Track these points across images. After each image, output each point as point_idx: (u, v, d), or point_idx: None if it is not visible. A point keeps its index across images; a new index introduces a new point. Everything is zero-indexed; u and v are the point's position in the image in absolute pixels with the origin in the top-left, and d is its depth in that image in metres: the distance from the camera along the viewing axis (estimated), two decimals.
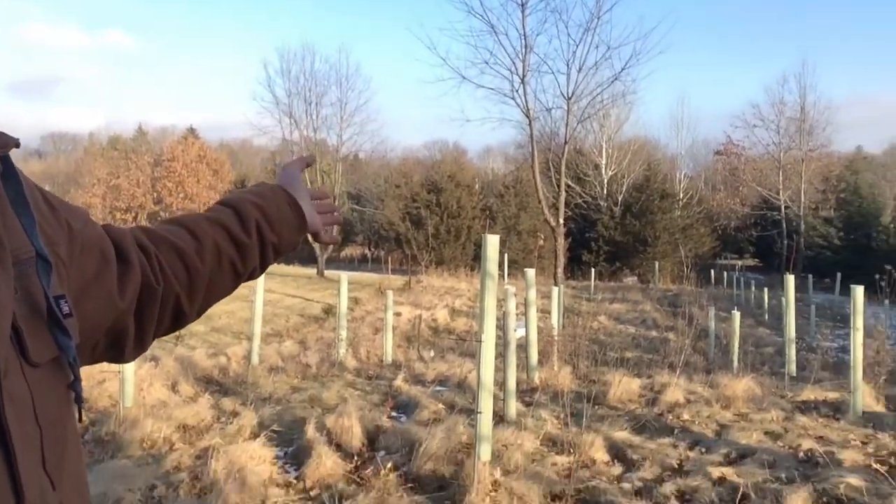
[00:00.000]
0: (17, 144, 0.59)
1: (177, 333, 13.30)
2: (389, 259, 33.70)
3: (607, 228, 39.42)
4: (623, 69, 20.54)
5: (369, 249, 48.14)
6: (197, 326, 16.05)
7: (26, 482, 0.52)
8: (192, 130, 63.76)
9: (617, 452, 5.43)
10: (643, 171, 42.06)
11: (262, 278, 9.21)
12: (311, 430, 5.60)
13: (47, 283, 0.63)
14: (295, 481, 4.85)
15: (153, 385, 7.24)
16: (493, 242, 4.63)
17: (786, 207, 43.96)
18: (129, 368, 6.56)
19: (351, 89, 42.26)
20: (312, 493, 4.60)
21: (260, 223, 0.98)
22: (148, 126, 71.12)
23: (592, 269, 31.85)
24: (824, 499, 4.41)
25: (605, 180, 42.52)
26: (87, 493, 0.67)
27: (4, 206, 0.60)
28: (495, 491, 4.37)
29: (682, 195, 45.01)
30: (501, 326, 7.13)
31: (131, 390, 6.51)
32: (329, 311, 16.15)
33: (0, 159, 0.57)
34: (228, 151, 70.35)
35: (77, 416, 0.70)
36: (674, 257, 36.37)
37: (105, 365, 7.68)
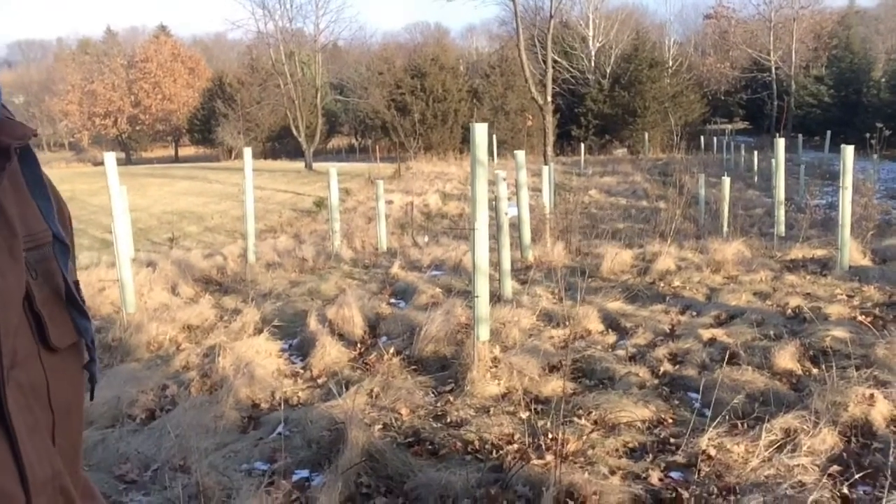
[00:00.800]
0: (35, 134, 0.57)
1: (171, 235, 13.38)
2: (377, 148, 33.32)
3: (596, 102, 38.78)
4: None
5: (356, 139, 47.51)
6: (190, 227, 16.09)
7: (31, 467, 0.54)
8: (163, 28, 61.36)
9: (611, 322, 5.60)
10: (631, 41, 40.88)
11: (250, 175, 9.14)
12: (313, 322, 5.74)
13: (65, 267, 0.63)
14: (302, 371, 5.01)
15: (153, 289, 7.33)
16: (480, 131, 4.57)
17: (776, 68, 43.16)
18: (128, 274, 6.62)
19: None
20: (320, 381, 4.77)
21: None
22: (117, 27, 68.47)
23: (582, 144, 31.64)
24: (811, 352, 4.59)
25: (593, 53, 41.40)
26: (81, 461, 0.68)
27: (22, 192, 0.60)
28: (495, 367, 4.53)
29: (671, 63, 43.99)
30: (494, 209, 7.16)
31: (132, 296, 6.59)
32: (320, 203, 16.13)
33: (11, 151, 0.55)
34: (202, 48, 68.05)
35: (90, 395, 0.72)
36: (664, 126, 36.02)
37: (103, 273, 7.75)
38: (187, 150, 56.13)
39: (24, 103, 63.22)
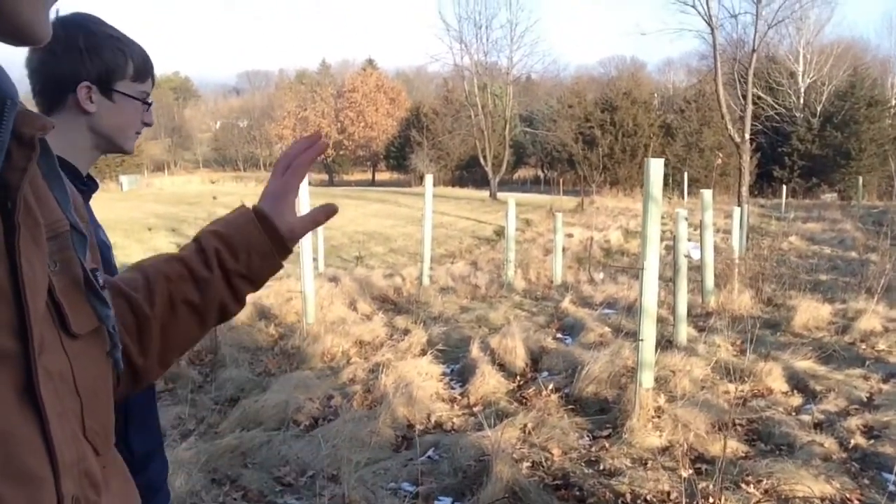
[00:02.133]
0: (52, 126, 0.59)
1: (358, 254, 14.17)
2: (562, 180, 33.18)
3: (803, 141, 35.94)
4: None
5: (542, 171, 47.68)
6: (376, 248, 16.92)
7: (60, 450, 0.55)
8: (370, 62, 65.75)
9: (797, 383, 5.07)
10: (847, 77, 37.49)
11: (430, 201, 9.44)
12: (475, 350, 5.75)
13: (83, 255, 0.64)
14: (459, 397, 5.03)
15: (333, 303, 7.74)
16: (656, 166, 4.38)
17: None
18: (311, 287, 7.06)
19: (521, 9, 41.68)
20: (475, 409, 4.74)
21: (221, 253, 0.87)
22: (331, 60, 74.45)
23: (784, 186, 29.38)
24: None
25: (802, 89, 38.48)
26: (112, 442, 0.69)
27: (39, 183, 0.62)
28: (658, 417, 4.25)
29: (894, 102, 39.81)
30: (673, 249, 6.80)
31: (313, 308, 7.01)
32: (500, 232, 16.30)
33: (35, 141, 0.57)
34: (404, 80, 71.92)
35: (116, 380, 0.73)
36: (882, 171, 32.54)
37: (291, 284, 8.30)
38: (383, 175, 59.39)
39: (248, 126, 70.34)
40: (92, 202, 1.38)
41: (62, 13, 1.29)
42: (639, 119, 35.74)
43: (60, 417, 0.56)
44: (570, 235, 14.85)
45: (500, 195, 32.59)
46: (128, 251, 14.82)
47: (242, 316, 7.16)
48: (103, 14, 1.38)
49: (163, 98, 76.48)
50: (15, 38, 0.51)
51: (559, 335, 6.71)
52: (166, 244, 12.72)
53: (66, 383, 0.58)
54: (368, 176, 60.56)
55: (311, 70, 71.85)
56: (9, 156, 0.54)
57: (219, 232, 0.89)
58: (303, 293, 6.95)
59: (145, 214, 22.42)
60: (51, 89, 1.30)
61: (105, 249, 1.27)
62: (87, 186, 1.36)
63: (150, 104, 1.41)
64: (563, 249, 11.33)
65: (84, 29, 1.29)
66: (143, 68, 1.37)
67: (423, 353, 5.83)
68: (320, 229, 13.12)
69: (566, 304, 7.91)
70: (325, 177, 58.76)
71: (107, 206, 25.88)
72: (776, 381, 5.03)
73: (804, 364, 5.38)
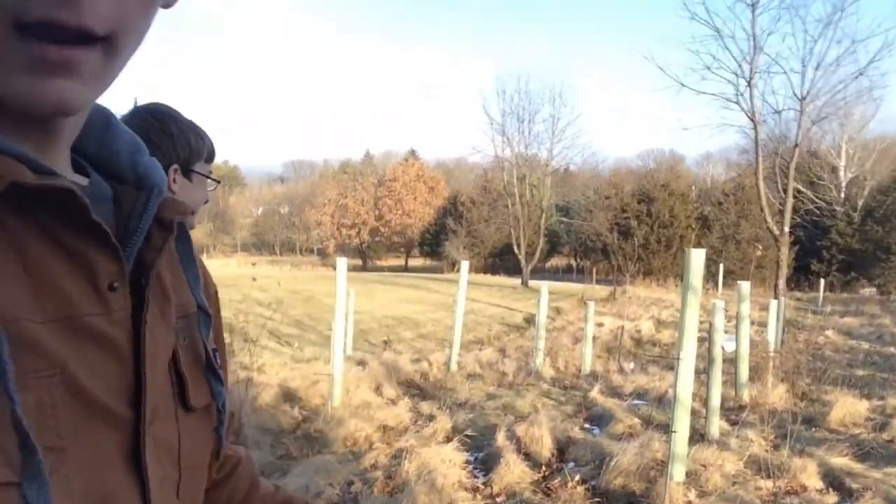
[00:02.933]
0: (192, 212, 0.67)
1: (386, 338, 14.16)
2: (595, 270, 33.08)
3: (843, 235, 35.50)
4: (870, 63, 18.56)
5: (575, 260, 47.69)
6: (405, 333, 16.92)
7: None
8: (412, 152, 67.56)
9: (833, 480, 4.86)
10: (890, 173, 37.27)
11: (464, 287, 9.50)
12: (501, 438, 5.65)
13: (206, 335, 0.69)
14: (482, 487, 4.91)
15: (360, 387, 7.72)
16: (697, 256, 4.40)
17: None
18: (339, 370, 7.07)
19: (563, 105, 42.70)
20: (499, 500, 4.63)
21: None
22: (374, 151, 76.66)
23: (822, 280, 28.88)
24: None
25: (843, 183, 38.29)
26: None
27: (175, 264, 0.68)
28: None
29: None
30: (708, 340, 6.70)
31: (339, 391, 7.00)
32: (530, 320, 16.21)
33: (177, 223, 0.64)
34: (444, 170, 73.48)
35: (216, 455, 0.77)
36: None
37: (319, 367, 8.33)
38: (416, 261, 59.92)
39: (288, 213, 72.06)
40: None
41: (141, 103, 1.46)
42: (676, 210, 35.81)
43: (161, 485, 0.59)
44: (600, 324, 14.70)
45: (532, 283, 32.56)
46: None
47: (267, 397, 7.17)
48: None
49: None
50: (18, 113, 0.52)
51: (587, 425, 6.57)
52: None
53: (171, 453, 0.61)
54: (402, 262, 61.16)
55: (355, 160, 73.98)
56: (148, 237, 0.60)
57: None
58: (331, 376, 6.96)
59: None
60: None
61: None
62: None
63: (218, 182, 1.57)
64: (594, 338, 11.20)
65: (172, 118, 1.44)
66: (213, 151, 1.54)
67: (448, 439, 5.74)
68: (350, 313, 13.21)
69: (595, 393, 7.77)
70: (359, 262, 59.50)
71: None
72: (811, 478, 4.83)
73: (840, 461, 5.17)
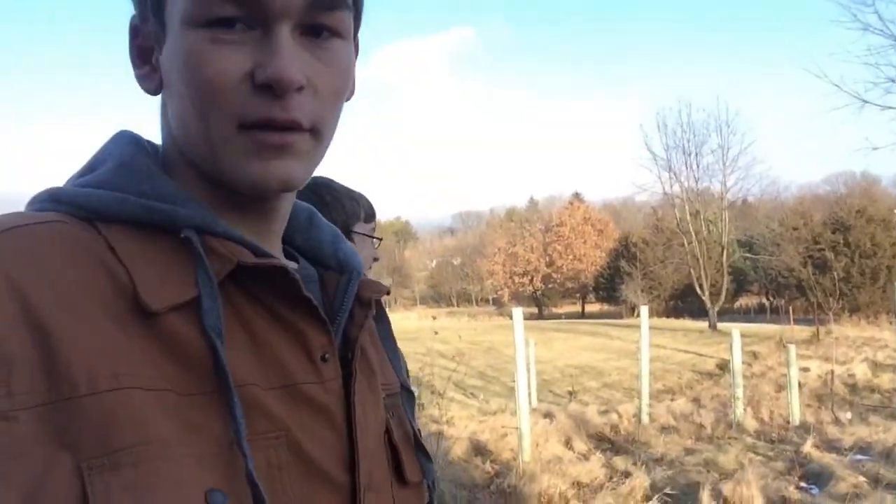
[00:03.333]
0: (388, 291, 0.71)
1: (570, 388, 13.86)
2: (791, 308, 30.55)
3: None
4: None
5: (767, 299, 44.34)
6: (589, 382, 16.49)
7: None
8: (577, 195, 67.09)
9: None
10: None
11: (646, 333, 9.14)
12: (706, 497, 5.29)
13: (411, 414, 0.74)
14: None
15: (549, 440, 7.59)
16: None
17: None
18: (526, 424, 7.01)
19: (732, 134, 40.44)
20: None
21: None
22: (538, 197, 77.13)
23: None
24: None
25: None
26: None
27: (377, 343, 0.73)
28: None
29: None
30: None
31: (528, 445, 6.92)
32: (723, 366, 15.21)
33: (376, 302, 0.69)
34: (611, 211, 72.14)
35: None
36: None
37: (507, 419, 8.32)
38: (592, 307, 58.71)
39: (461, 264, 73.82)
40: None
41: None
42: (877, 238, 32.48)
43: None
44: (805, 369, 13.46)
45: (720, 325, 30.65)
46: None
47: (459, 451, 7.24)
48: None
49: (385, 241, 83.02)
50: (244, 194, 0.59)
51: (803, 484, 5.98)
52: None
53: None
54: (577, 308, 60.17)
55: (520, 207, 74.74)
56: (351, 314, 0.65)
57: None
58: (519, 430, 6.92)
59: None
60: None
61: None
62: None
63: (380, 239, 1.69)
64: (800, 385, 10.26)
65: (326, 187, 1.60)
66: (371, 211, 1.66)
67: (647, 498, 5.47)
68: (532, 363, 13.10)
69: (808, 447, 7.08)
70: (535, 310, 59.30)
71: None
72: None
73: None
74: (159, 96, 0.62)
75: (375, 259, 1.68)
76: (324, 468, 0.58)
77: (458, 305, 70.06)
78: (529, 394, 11.34)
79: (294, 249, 0.71)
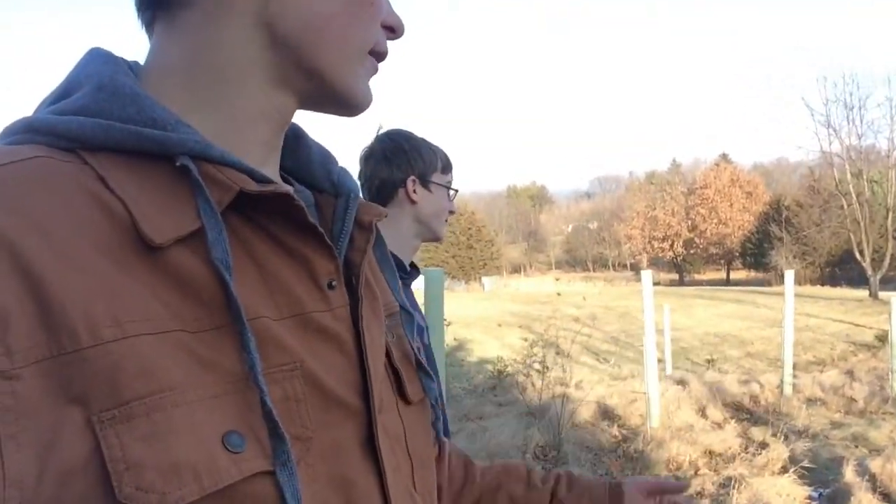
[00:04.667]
0: (386, 214, 0.70)
1: (709, 357, 13.32)
2: None
3: None
4: None
5: None
6: (730, 351, 15.77)
7: (396, 501, 0.61)
8: (724, 156, 63.60)
9: None
10: None
11: (791, 299, 8.59)
12: (850, 473, 4.94)
13: (410, 334, 0.73)
14: None
15: (680, 408, 7.35)
16: None
17: None
18: (655, 388, 6.81)
19: None
20: None
21: (561, 479, 0.96)
22: (681, 159, 73.86)
23: None
24: None
25: None
26: None
27: (374, 266, 0.72)
28: None
29: None
30: None
31: (658, 411, 6.74)
32: (883, 338, 14.02)
33: (373, 225, 0.67)
34: (762, 172, 67.94)
35: (437, 451, 0.81)
36: None
37: (635, 385, 8.14)
38: (739, 274, 55.87)
39: (598, 228, 72.39)
40: (460, 299, 1.63)
41: (384, 129, 1.67)
42: None
43: (395, 473, 0.62)
44: None
45: (882, 294, 28.20)
46: (485, 346, 15.99)
47: (586, 414, 7.17)
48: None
49: (521, 206, 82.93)
50: (341, 107, 0.64)
51: None
52: (515, 339, 13.49)
53: (400, 444, 0.65)
54: (722, 275, 57.45)
55: (662, 170, 71.86)
56: (351, 239, 0.65)
57: (569, 473, 0.98)
58: (647, 395, 6.75)
59: (501, 312, 24.06)
60: (387, 187, 1.61)
61: (420, 331, 1.47)
62: (409, 275, 1.61)
63: (456, 191, 1.70)
64: None
65: (404, 137, 1.63)
66: (447, 163, 1.68)
67: (784, 470, 5.18)
68: (667, 329, 12.69)
69: None
70: (676, 276, 57.18)
71: (470, 304, 28.42)
72: None
73: None
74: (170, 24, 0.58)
75: (451, 212, 1.68)
76: (339, 395, 0.58)
77: (594, 271, 68.86)
78: (662, 360, 11.02)
79: (284, 171, 0.68)
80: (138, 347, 0.47)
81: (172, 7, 0.58)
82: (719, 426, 6.84)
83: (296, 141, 0.69)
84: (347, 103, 0.62)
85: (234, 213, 0.55)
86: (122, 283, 0.48)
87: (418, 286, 2.09)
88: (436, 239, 1.68)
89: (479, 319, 20.13)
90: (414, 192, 1.59)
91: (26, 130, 0.54)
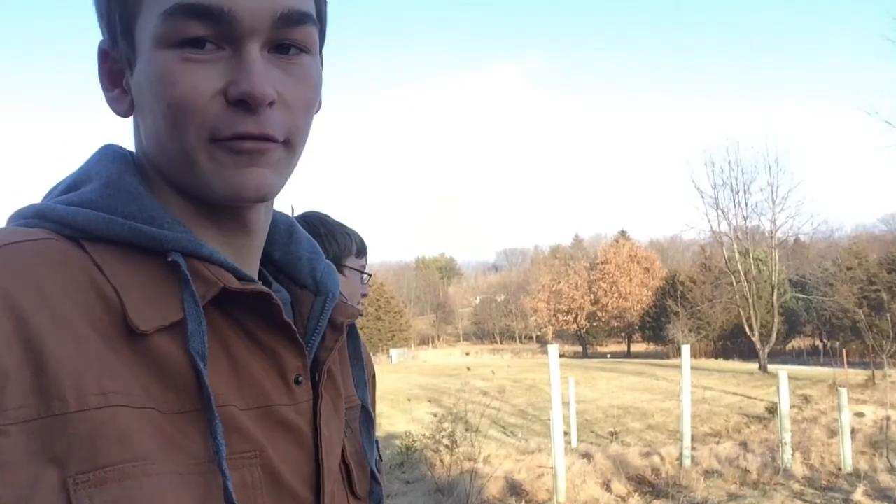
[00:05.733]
0: (361, 314, 0.74)
1: (612, 429, 13.57)
2: (845, 351, 29.48)
3: None
4: None
5: (820, 341, 42.92)
6: (632, 423, 16.12)
7: None
8: (622, 233, 66.40)
9: None
10: None
11: (688, 373, 8.95)
12: None
13: (365, 435, 0.75)
14: None
15: (586, 482, 7.44)
16: None
17: None
18: (562, 463, 6.88)
19: (782, 172, 39.81)
20: None
21: None
22: (583, 235, 76.63)
23: None
24: None
25: None
26: None
27: (345, 360, 0.74)
28: None
29: None
30: None
31: (564, 486, 6.79)
32: (773, 410, 14.73)
33: (344, 326, 0.71)
34: (658, 249, 71.19)
35: None
36: None
37: (542, 459, 8.19)
38: (639, 346, 57.65)
39: (504, 301, 73.45)
40: None
41: (298, 211, 1.68)
42: None
43: None
44: (860, 414, 12.97)
45: (771, 367, 29.74)
46: (392, 420, 15.75)
47: (494, 490, 7.14)
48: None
49: (430, 278, 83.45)
50: (219, 202, 0.60)
51: None
52: (424, 414, 13.37)
53: None
54: (623, 347, 59.13)
55: (565, 245, 74.26)
56: (323, 337, 0.68)
57: None
58: (553, 469, 6.80)
59: (409, 385, 23.82)
60: None
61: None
62: None
63: (370, 275, 1.75)
64: (853, 431, 9.88)
65: (319, 220, 1.66)
66: (362, 246, 1.72)
67: None
68: (573, 402, 12.89)
69: (858, 495, 6.78)
70: (580, 348, 58.46)
71: (378, 377, 27.89)
72: None
73: None
74: (130, 119, 0.63)
75: (364, 294, 1.73)
76: (293, 488, 0.60)
77: (501, 342, 69.51)
78: (569, 433, 11.14)
79: (272, 263, 0.72)
80: (118, 416, 0.50)
81: (136, 115, 0.63)
82: (623, 500, 6.96)
83: (288, 235, 0.74)
84: (216, 199, 0.59)
85: (215, 308, 0.59)
86: (108, 359, 0.52)
87: None
88: None
89: (387, 393, 19.83)
90: None
91: (36, 216, 0.59)
